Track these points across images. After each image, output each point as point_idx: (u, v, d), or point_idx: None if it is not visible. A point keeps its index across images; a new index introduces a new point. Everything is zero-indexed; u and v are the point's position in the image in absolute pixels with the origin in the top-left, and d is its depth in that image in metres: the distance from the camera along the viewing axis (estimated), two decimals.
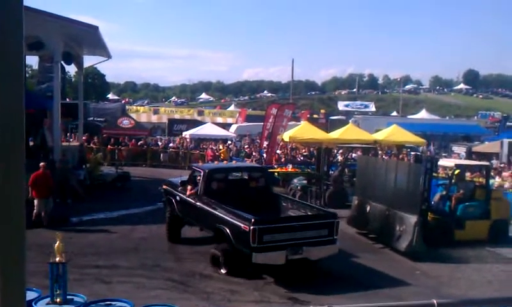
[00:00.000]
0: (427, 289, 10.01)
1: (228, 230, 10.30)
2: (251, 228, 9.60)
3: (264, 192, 12.84)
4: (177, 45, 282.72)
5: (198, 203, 11.82)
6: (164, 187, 14.31)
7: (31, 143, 20.03)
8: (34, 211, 13.81)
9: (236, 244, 10.15)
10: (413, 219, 12.47)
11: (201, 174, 12.39)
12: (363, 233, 14.55)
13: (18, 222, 2.34)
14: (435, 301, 2.25)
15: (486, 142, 35.50)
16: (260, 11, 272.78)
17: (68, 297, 5.45)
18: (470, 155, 30.28)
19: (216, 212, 10.99)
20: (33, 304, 5.22)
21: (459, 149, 34.41)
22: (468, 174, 17.65)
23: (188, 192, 12.37)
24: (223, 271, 10.40)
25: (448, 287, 10.27)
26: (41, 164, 14.49)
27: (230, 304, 8.68)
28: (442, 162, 17.37)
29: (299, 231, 10.23)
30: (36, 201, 13.88)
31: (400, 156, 28.22)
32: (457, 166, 15.17)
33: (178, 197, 12.97)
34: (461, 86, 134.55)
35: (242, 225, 9.92)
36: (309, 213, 11.77)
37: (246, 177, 13.45)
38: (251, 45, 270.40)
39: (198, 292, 9.32)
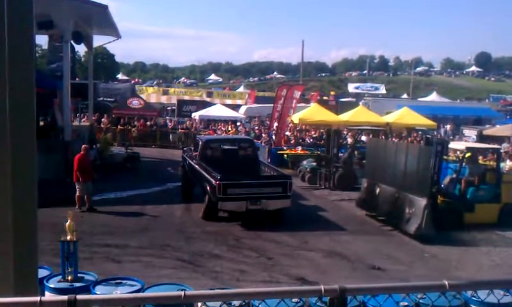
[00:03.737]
0: (436, 271, 10.00)
1: (207, 186, 13.19)
2: (217, 182, 12.55)
3: (250, 158, 15.64)
4: (186, 25, 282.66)
5: (195, 166, 14.86)
6: (182, 153, 18.05)
7: (41, 123, 20.12)
8: (77, 194, 13.64)
9: (211, 196, 12.94)
10: (422, 201, 12.41)
11: (200, 143, 15.64)
12: (372, 215, 14.52)
13: (30, 200, 2.35)
14: (446, 282, 2.24)
15: (497, 126, 35.15)
16: None
17: (79, 275, 5.49)
18: (481, 138, 30.00)
19: (203, 172, 13.82)
20: (45, 281, 5.27)
21: (470, 132, 34.12)
22: (480, 157, 17.53)
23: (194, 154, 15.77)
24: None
25: (457, 270, 10.26)
26: (84, 146, 14.42)
27: (238, 284, 8.72)
28: (453, 144, 17.22)
29: (257, 187, 13.13)
30: (79, 185, 13.65)
31: (410, 139, 28.04)
32: (468, 149, 15.05)
33: (187, 161, 16.21)
34: (473, 68, 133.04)
35: (213, 181, 12.77)
36: (266, 174, 14.93)
37: (237, 147, 16.24)
38: (261, 26, 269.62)
39: (207, 272, 9.39)
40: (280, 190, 13.21)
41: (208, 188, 13.17)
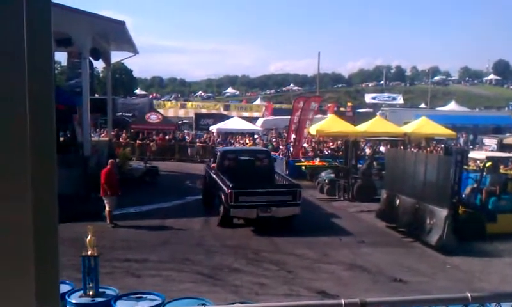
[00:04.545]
0: (459, 283, 9.85)
1: (222, 194, 13.87)
2: (229, 191, 13.31)
3: (265, 169, 16.32)
4: (202, 39, 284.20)
5: (213, 176, 15.58)
6: (204, 166, 19.16)
7: (61, 139, 20.35)
8: (106, 209, 13.77)
9: (225, 203, 13.60)
10: (443, 212, 12.27)
11: (218, 154, 16.66)
12: (393, 226, 14.37)
13: (51, 216, 2.37)
14: (469, 294, 2.19)
15: None
16: (286, 4, 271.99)
17: (100, 289, 5.52)
18: (501, 147, 29.63)
19: (219, 182, 14.57)
20: (66, 296, 5.30)
21: (490, 141, 33.74)
22: (501, 166, 17.29)
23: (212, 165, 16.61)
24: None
25: (480, 281, 10.10)
26: (110, 160, 14.72)
27: (258, 298, 8.68)
28: (473, 154, 17.02)
29: (267, 195, 13.78)
30: (108, 199, 13.77)
31: (429, 149, 27.82)
32: (489, 158, 14.86)
33: (207, 173, 16.92)
34: (491, 76, 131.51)
35: (226, 189, 13.50)
36: (276, 183, 15.65)
37: (253, 158, 16.70)
38: (277, 39, 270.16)
39: (227, 285, 9.36)
40: (289, 198, 13.87)
41: (222, 196, 13.82)
